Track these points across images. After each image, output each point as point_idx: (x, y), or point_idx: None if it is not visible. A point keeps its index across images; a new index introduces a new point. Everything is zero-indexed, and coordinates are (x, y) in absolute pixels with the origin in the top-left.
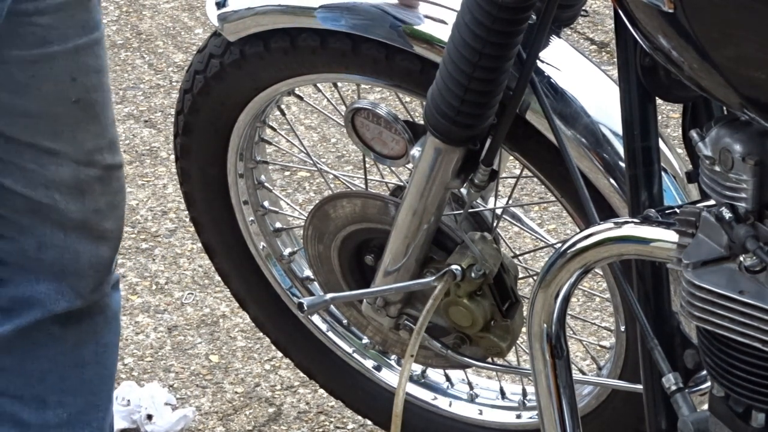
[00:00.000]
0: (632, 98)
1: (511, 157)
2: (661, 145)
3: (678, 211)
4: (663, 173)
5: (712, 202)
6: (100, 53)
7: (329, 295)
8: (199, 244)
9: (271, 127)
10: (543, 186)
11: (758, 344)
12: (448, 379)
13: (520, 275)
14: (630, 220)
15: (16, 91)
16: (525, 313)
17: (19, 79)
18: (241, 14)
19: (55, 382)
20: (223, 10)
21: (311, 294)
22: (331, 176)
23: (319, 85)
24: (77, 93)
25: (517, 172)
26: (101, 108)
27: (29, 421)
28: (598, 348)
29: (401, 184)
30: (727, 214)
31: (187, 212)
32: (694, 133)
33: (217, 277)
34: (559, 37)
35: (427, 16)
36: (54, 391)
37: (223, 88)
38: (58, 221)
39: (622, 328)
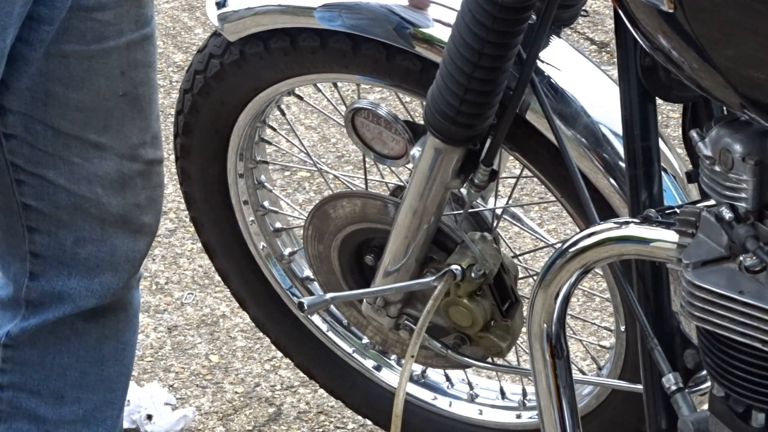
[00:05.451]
0: (632, 98)
1: (511, 157)
2: (661, 145)
3: (678, 211)
4: (663, 173)
5: (712, 202)
6: (149, 48)
7: (329, 295)
8: (199, 244)
9: (271, 127)
10: (543, 186)
11: (758, 344)
12: (448, 379)
13: (520, 275)
14: (630, 220)
15: (72, 85)
16: (525, 313)
17: (75, 73)
18: (241, 14)
19: (75, 378)
20: (223, 10)
21: (311, 294)
22: (331, 176)
23: (319, 85)
24: (125, 87)
25: (517, 172)
26: (147, 102)
27: (45, 417)
28: (598, 348)
29: (401, 184)
30: (727, 214)
31: (187, 212)
32: (694, 133)
33: (217, 277)
34: (559, 37)
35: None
36: (73, 386)
37: (223, 88)
38: (98, 216)
39: (622, 328)
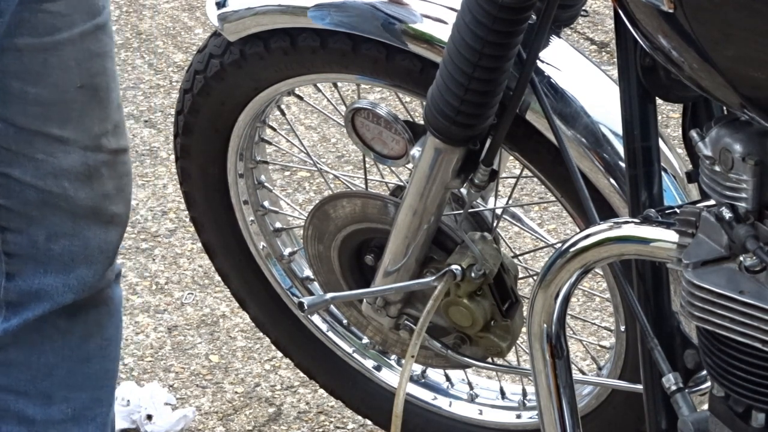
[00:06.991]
0: (632, 98)
1: (511, 157)
2: (661, 145)
3: (678, 211)
4: (663, 173)
5: (712, 202)
6: (102, 38)
7: (329, 295)
8: (199, 244)
9: (271, 127)
10: (543, 186)
11: (758, 344)
12: (448, 379)
13: (520, 275)
14: (630, 220)
15: (29, 79)
16: (525, 313)
17: (30, 67)
18: (241, 14)
19: (62, 377)
20: (223, 10)
21: (311, 294)
22: (331, 176)
23: (319, 85)
24: (81, 78)
25: (517, 172)
26: (105, 92)
27: (34, 417)
28: (598, 348)
29: (401, 184)
30: (727, 214)
31: (187, 212)
32: (694, 133)
33: (217, 277)
34: (559, 37)
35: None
36: (60, 386)
37: (223, 88)
38: (68, 209)
39: (622, 328)
